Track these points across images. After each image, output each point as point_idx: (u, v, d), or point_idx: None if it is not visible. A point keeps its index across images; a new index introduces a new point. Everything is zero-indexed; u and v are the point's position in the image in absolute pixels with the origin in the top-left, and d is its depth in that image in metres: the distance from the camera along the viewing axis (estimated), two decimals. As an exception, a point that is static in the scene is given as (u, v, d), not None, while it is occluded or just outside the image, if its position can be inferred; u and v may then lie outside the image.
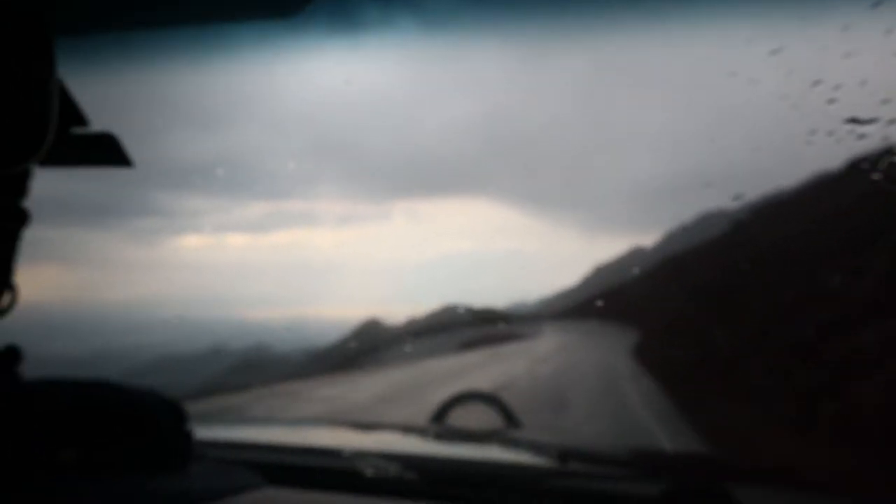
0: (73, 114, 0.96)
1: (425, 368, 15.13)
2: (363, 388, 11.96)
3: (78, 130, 0.99)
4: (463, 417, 2.43)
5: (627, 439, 7.65)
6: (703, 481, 1.48)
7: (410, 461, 1.44)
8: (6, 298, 0.91)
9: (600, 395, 11.04)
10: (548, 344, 22.99)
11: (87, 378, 0.99)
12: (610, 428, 8.61)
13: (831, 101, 3.64)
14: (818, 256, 13.06)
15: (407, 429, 2.47)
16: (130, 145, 1.07)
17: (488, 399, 2.46)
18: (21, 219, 0.93)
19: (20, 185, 0.92)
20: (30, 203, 0.96)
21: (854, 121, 3.82)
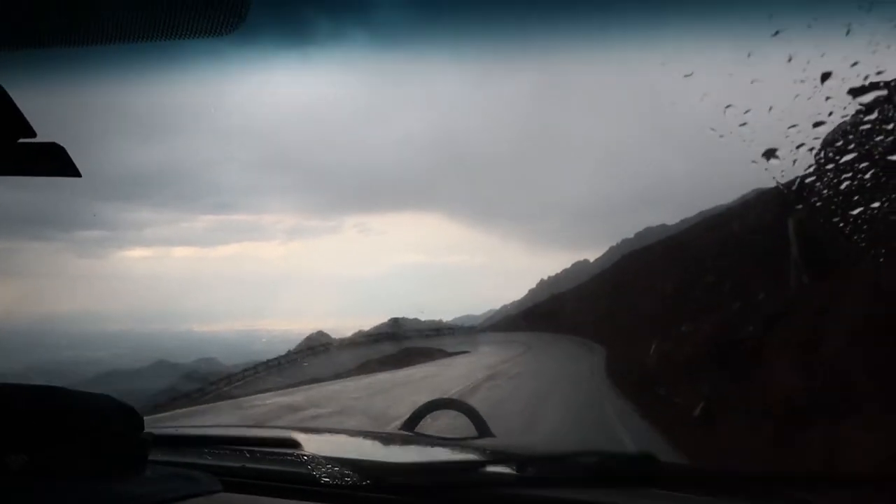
0: (21, 124, 0.96)
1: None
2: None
3: (26, 140, 0.98)
4: (435, 426, 2.35)
5: (593, 445, 7.36)
6: (665, 487, 1.52)
7: (369, 467, 1.41)
8: None
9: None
10: (475, 363, 19.26)
11: (40, 384, 1.03)
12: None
13: (743, 123, 3.89)
14: (738, 265, 13.52)
15: (371, 435, 2.37)
16: (76, 157, 1.06)
17: (460, 407, 2.38)
18: None
19: None
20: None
21: (770, 154, 4.10)
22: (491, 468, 1.63)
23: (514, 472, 1.52)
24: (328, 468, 1.37)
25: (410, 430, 2.25)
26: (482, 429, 2.23)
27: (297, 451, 1.59)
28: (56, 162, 1.05)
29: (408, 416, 2.35)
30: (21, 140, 0.98)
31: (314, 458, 1.43)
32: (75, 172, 1.07)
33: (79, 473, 0.89)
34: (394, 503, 1.28)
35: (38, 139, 1.00)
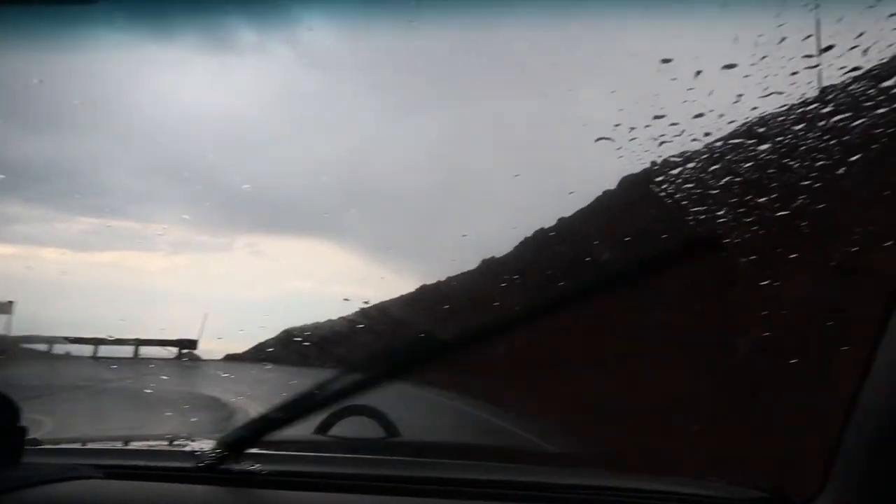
0: None
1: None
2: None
3: None
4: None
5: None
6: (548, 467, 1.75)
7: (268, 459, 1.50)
8: None
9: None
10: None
11: None
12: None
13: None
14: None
15: (285, 440, 2.38)
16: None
17: (369, 412, 2.49)
18: None
19: None
20: None
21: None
22: (400, 458, 1.88)
23: (423, 461, 1.77)
24: (210, 455, 1.41)
25: (323, 434, 2.37)
26: (391, 430, 2.47)
27: (176, 446, 1.73)
28: None
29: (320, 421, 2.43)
30: None
31: (195, 450, 1.47)
32: None
33: None
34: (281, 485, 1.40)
35: None
